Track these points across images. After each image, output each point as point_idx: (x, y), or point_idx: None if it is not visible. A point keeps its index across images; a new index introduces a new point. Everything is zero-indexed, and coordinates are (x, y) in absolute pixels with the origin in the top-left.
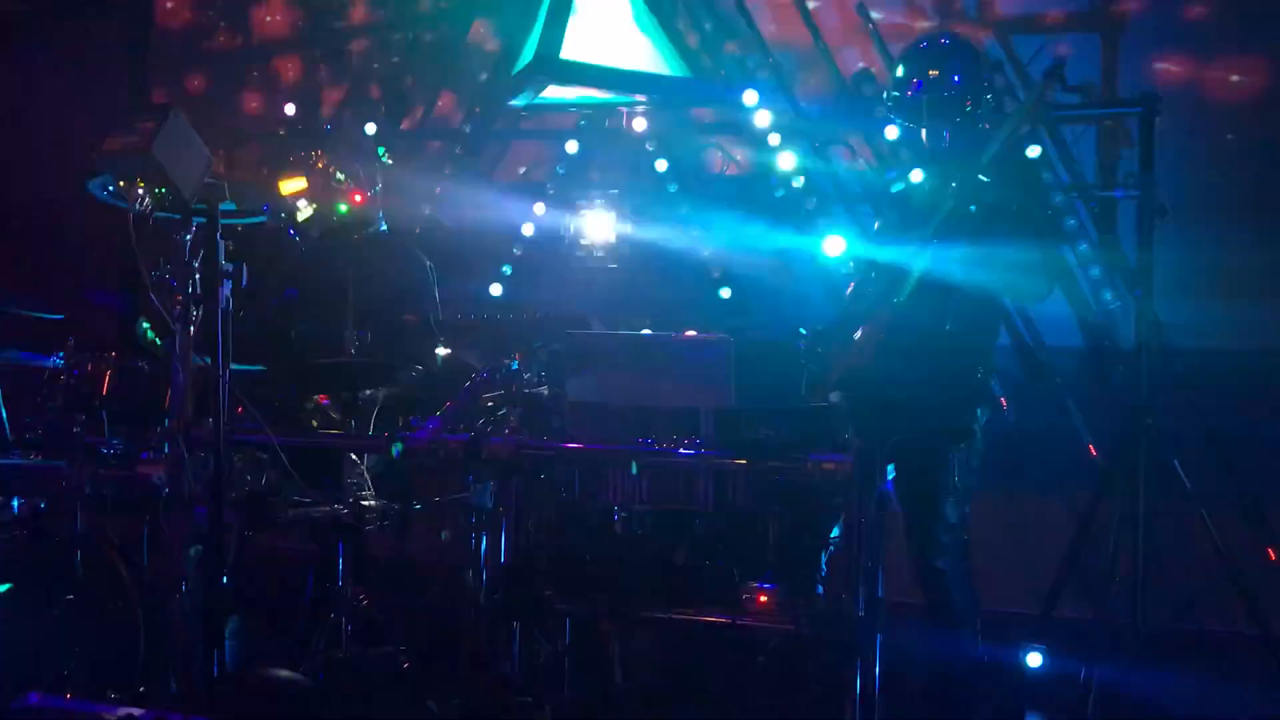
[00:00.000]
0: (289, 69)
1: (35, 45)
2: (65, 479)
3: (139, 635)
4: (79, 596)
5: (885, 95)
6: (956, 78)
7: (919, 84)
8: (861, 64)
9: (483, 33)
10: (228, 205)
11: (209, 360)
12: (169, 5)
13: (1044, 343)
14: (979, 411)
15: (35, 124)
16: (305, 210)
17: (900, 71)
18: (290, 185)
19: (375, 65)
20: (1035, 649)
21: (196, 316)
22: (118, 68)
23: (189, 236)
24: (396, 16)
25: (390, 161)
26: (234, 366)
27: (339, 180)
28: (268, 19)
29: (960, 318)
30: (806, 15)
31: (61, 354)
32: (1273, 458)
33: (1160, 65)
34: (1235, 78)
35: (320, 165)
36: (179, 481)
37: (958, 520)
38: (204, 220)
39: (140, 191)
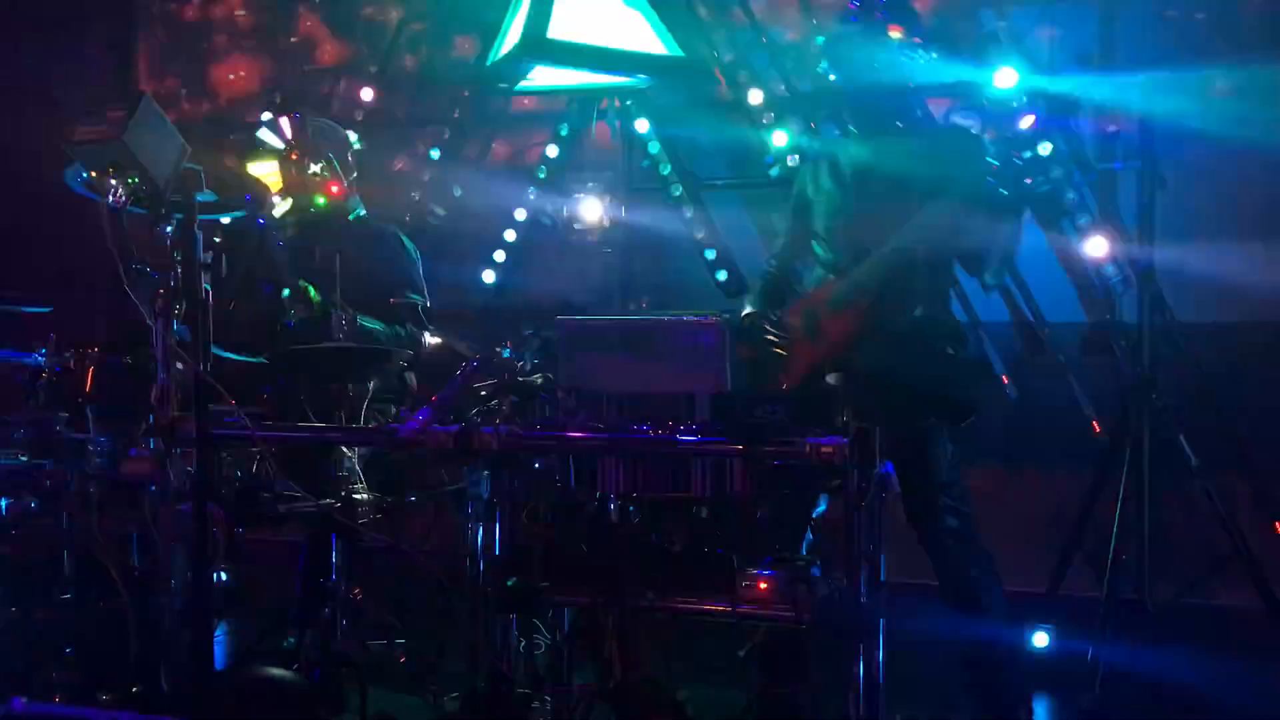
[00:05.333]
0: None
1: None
2: (51, 478)
3: (129, 635)
4: (68, 597)
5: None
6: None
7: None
8: None
9: (467, 48)
10: (206, 196)
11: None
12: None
13: (1045, 319)
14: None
15: (14, 110)
16: (281, 205)
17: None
18: (264, 180)
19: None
20: (1042, 628)
21: (179, 310)
22: (102, 60)
23: (169, 228)
24: (369, 50)
25: (362, 146)
26: (226, 355)
27: (314, 173)
28: (230, 76)
29: (924, 297)
30: None
31: (44, 350)
32: (1278, 431)
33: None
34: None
35: (294, 158)
36: (165, 479)
37: (958, 490)
38: (180, 214)
39: (113, 182)
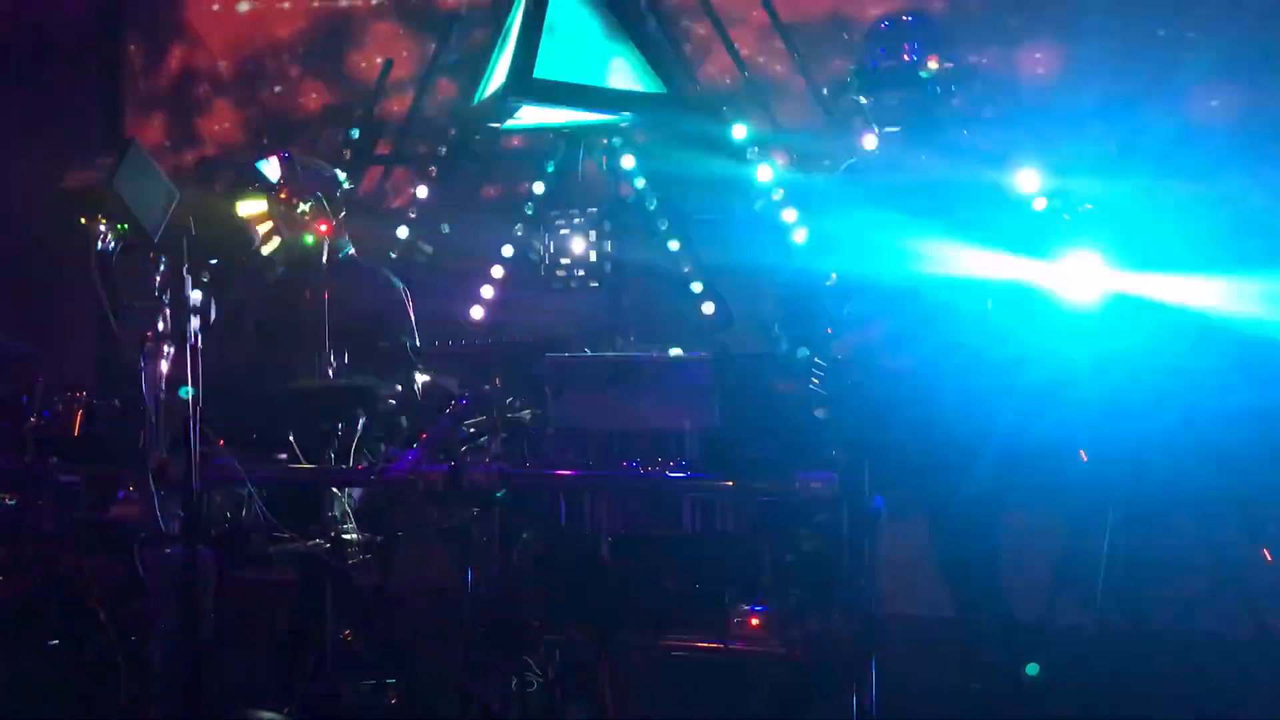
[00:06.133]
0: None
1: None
2: (40, 522)
3: (119, 679)
4: (57, 642)
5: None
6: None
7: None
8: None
9: (453, 90)
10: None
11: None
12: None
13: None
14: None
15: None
16: (270, 244)
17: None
18: (253, 219)
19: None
20: (1034, 659)
21: (168, 353)
22: (88, 102)
23: (157, 271)
24: (354, 95)
25: (351, 185)
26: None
27: (302, 212)
28: (215, 127)
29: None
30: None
31: (32, 394)
32: (1264, 456)
33: None
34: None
35: (283, 197)
36: (154, 521)
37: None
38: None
39: (102, 228)
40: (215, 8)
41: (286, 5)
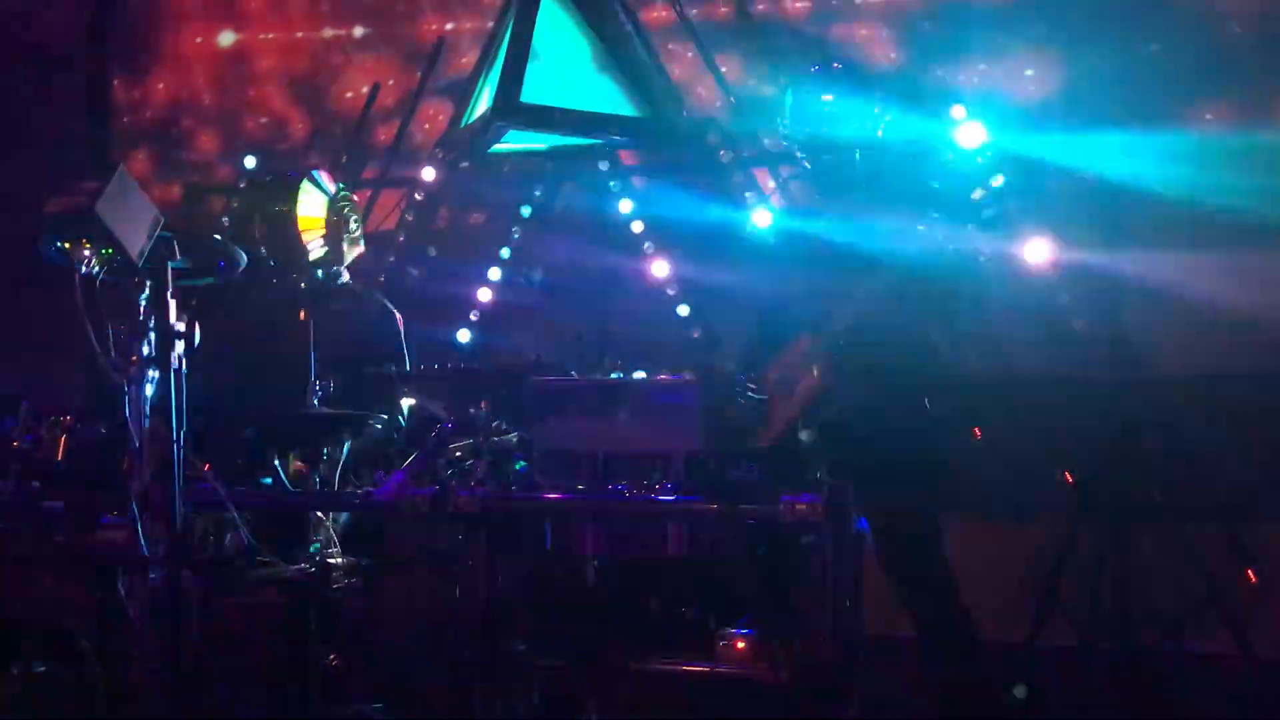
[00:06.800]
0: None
1: None
2: (22, 547)
3: (101, 705)
4: (39, 667)
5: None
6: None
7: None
8: None
9: (441, 117)
10: (179, 264)
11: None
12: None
13: (1014, 367)
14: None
15: None
16: (318, 251)
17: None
18: (308, 224)
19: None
20: (1020, 680)
21: (152, 378)
22: (76, 130)
23: (143, 296)
24: (340, 125)
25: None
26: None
27: (351, 228)
28: (200, 159)
29: (906, 354)
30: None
31: (15, 419)
32: (1246, 476)
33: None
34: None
35: (335, 218)
36: (138, 547)
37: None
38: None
39: (87, 253)
40: (198, 40)
41: (270, 36)
